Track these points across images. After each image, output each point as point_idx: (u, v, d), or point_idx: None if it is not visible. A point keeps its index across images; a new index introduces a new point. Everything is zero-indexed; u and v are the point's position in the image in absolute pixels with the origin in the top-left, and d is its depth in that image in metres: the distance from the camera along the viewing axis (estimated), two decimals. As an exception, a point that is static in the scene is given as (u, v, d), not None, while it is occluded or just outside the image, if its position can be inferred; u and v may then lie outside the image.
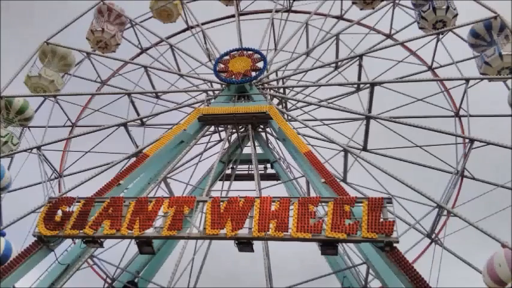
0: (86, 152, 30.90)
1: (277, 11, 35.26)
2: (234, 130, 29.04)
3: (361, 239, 17.82)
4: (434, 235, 24.36)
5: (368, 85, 28.04)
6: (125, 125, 28.83)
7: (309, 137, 28.54)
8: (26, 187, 29.76)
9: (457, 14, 31.04)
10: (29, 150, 28.64)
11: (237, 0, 36.91)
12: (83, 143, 31.20)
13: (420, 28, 32.16)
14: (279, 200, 19.12)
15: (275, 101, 30.62)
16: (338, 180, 22.67)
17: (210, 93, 31.29)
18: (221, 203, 19.31)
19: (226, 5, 37.69)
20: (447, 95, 29.59)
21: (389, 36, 33.88)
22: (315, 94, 32.36)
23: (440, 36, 29.87)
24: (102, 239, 19.66)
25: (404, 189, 23.55)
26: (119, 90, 33.43)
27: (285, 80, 32.56)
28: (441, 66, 31.41)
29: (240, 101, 28.92)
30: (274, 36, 34.35)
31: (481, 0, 29.57)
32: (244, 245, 18.58)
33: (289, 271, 31.19)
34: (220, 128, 30.85)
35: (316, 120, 30.32)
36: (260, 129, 29.94)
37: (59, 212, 20.14)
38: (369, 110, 27.12)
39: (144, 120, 31.02)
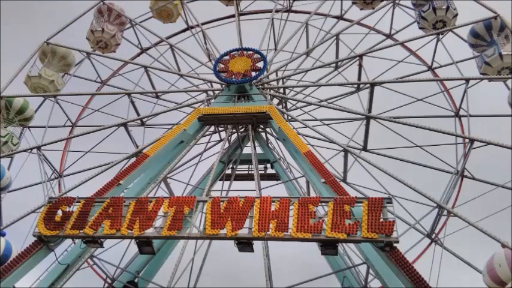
0: (86, 152, 30.92)
1: (277, 11, 35.30)
2: (234, 130, 29.03)
3: (361, 239, 17.81)
4: (434, 235, 24.36)
5: (368, 85, 28.07)
6: (125, 125, 28.83)
7: (309, 137, 28.56)
8: (26, 187, 29.78)
9: (457, 14, 31.06)
10: (29, 150, 28.60)
11: (237, 0, 36.93)
12: (83, 143, 31.22)
13: (420, 28, 32.19)
14: (279, 200, 19.10)
15: (275, 101, 30.62)
16: (338, 180, 22.64)
17: (210, 93, 31.37)
18: (221, 203, 19.29)
19: (226, 5, 37.71)
20: (447, 95, 29.63)
21: (389, 36, 33.91)
22: (315, 94, 32.43)
23: (440, 36, 29.87)
24: (102, 239, 19.65)
25: (404, 189, 23.56)
26: (119, 90, 33.45)
27: (285, 80, 32.57)
28: (441, 66, 31.44)
29: (240, 101, 28.92)
30: (274, 36, 34.39)
31: (481, 0, 29.59)
32: (244, 245, 18.56)
33: (289, 271, 31.20)
34: (220, 128, 30.83)
35: (316, 120, 30.34)
36: (260, 129, 29.94)
37: (59, 212, 20.12)
38: (369, 110, 27.16)
39: (144, 120, 31.02)
